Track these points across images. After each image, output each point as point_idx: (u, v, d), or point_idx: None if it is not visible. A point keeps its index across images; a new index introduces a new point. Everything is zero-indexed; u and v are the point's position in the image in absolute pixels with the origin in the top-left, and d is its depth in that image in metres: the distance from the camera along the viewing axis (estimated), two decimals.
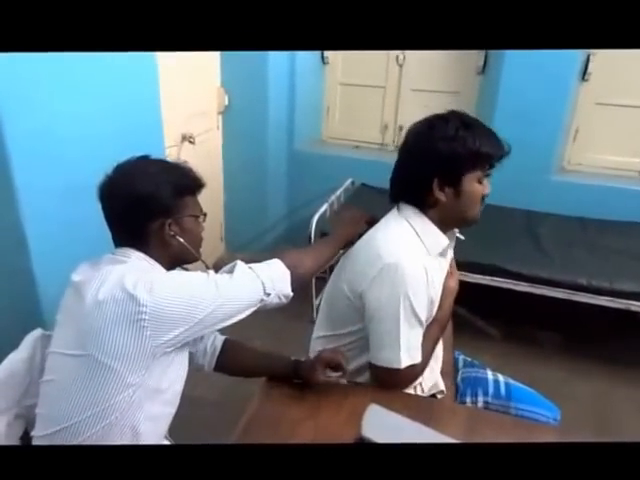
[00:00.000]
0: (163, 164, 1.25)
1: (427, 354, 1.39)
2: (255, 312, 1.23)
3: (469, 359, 1.74)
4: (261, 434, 1.23)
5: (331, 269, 1.54)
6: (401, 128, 3.59)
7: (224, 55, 3.17)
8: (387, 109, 3.61)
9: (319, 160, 3.60)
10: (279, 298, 1.24)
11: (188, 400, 1.30)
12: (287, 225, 3.75)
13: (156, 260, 1.20)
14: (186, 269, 1.29)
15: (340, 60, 3.62)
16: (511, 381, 1.62)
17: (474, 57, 3.27)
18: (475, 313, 2.93)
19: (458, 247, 1.48)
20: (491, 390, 1.57)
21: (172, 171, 1.23)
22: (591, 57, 3.02)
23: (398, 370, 1.32)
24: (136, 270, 1.13)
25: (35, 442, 1.17)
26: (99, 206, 1.20)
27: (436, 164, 1.29)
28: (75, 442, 1.10)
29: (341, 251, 1.47)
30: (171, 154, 2.67)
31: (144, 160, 1.23)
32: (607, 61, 3.01)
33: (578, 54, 2.99)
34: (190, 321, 1.10)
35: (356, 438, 1.12)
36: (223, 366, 1.42)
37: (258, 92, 3.23)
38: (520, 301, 2.73)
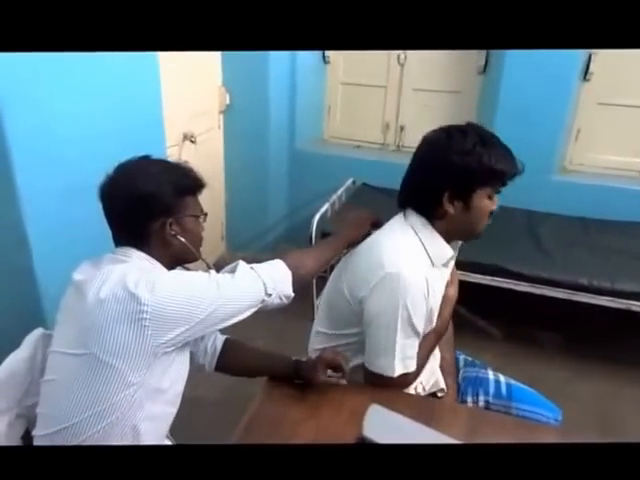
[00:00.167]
0: (164, 164, 1.26)
1: (422, 362, 1.40)
2: (256, 312, 1.23)
3: (470, 359, 1.74)
4: (262, 434, 1.24)
5: (332, 268, 1.53)
6: (402, 128, 3.59)
7: (225, 54, 3.17)
8: (388, 109, 3.61)
9: (320, 160, 3.60)
10: (280, 298, 1.24)
11: (189, 400, 1.30)
12: (288, 225, 3.75)
13: (157, 259, 1.20)
14: (187, 269, 1.29)
15: (341, 60, 3.61)
16: (512, 381, 1.62)
17: (475, 57, 3.27)
18: (476, 313, 2.93)
19: (459, 247, 1.48)
20: (492, 390, 1.57)
21: (173, 171, 1.23)
22: (592, 57, 3.01)
23: (391, 378, 1.34)
24: (137, 269, 1.13)
25: (36, 441, 1.17)
26: (100, 205, 1.21)
27: (449, 177, 1.28)
28: (76, 441, 1.10)
29: (344, 251, 1.47)
30: (172, 153, 2.67)
31: (145, 160, 1.24)
32: (608, 61, 3.00)
33: (579, 54, 2.98)
34: (191, 321, 1.10)
35: (357, 438, 1.12)
36: (224, 366, 1.42)
37: (259, 91, 3.23)
38: (521, 301, 2.73)
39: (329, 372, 1.32)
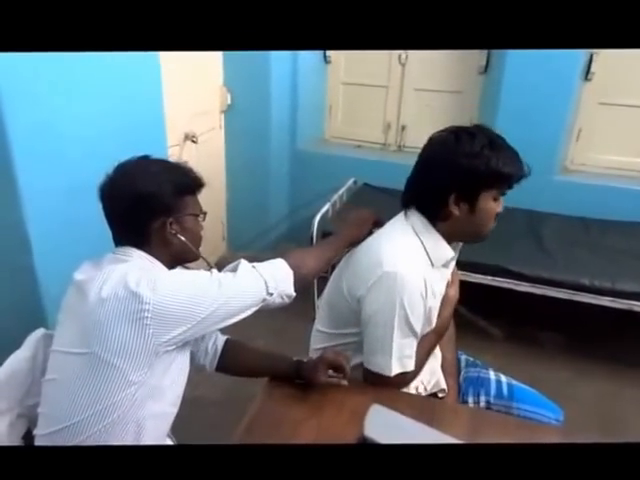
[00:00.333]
0: (164, 163, 1.26)
1: (420, 362, 1.40)
2: (257, 311, 1.23)
3: (472, 359, 1.74)
4: (263, 434, 1.24)
5: (333, 268, 1.54)
6: (403, 128, 3.59)
7: (226, 54, 3.17)
8: (389, 109, 3.61)
9: (321, 159, 3.60)
10: (282, 298, 1.24)
11: (190, 400, 1.30)
12: (289, 224, 3.75)
13: (157, 259, 1.20)
14: (188, 268, 1.30)
15: (343, 59, 3.61)
16: (513, 381, 1.62)
17: (476, 57, 3.26)
18: (477, 313, 2.93)
19: (460, 248, 1.48)
20: (493, 390, 1.57)
21: (173, 170, 1.23)
22: (594, 57, 3.01)
23: (388, 377, 1.34)
24: (139, 269, 1.13)
25: (37, 441, 1.17)
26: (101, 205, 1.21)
27: (456, 179, 1.28)
28: (77, 440, 1.10)
29: (345, 250, 1.46)
30: (174, 153, 2.67)
31: (145, 160, 1.24)
32: (610, 61, 3.00)
33: (581, 54, 2.98)
34: (193, 319, 1.10)
35: (358, 438, 1.11)
36: (225, 366, 1.42)
37: (261, 91, 3.23)
38: (522, 301, 2.72)
39: (330, 372, 1.32)
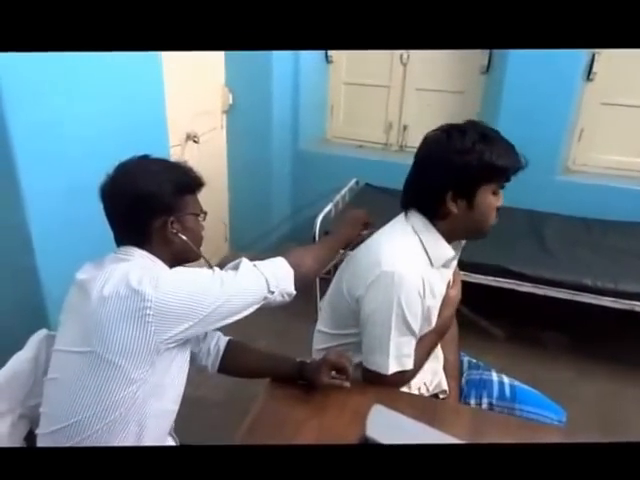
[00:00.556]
0: (164, 163, 1.26)
1: (420, 361, 1.39)
2: (259, 312, 1.23)
3: (474, 361, 1.74)
4: (265, 434, 1.24)
5: (335, 268, 1.54)
6: (405, 128, 3.59)
7: (228, 54, 3.17)
8: (391, 108, 3.61)
9: (323, 160, 3.60)
10: (282, 296, 1.25)
11: (192, 401, 1.30)
12: (291, 225, 3.75)
13: (159, 258, 1.21)
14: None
15: (344, 59, 3.61)
16: (516, 383, 1.61)
17: (478, 56, 3.26)
18: (479, 314, 2.92)
19: (462, 247, 1.48)
20: (496, 392, 1.56)
21: (173, 170, 1.24)
22: (596, 57, 3.00)
23: (386, 375, 1.34)
24: (140, 267, 1.14)
25: (39, 440, 1.17)
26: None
27: (450, 176, 1.28)
28: (78, 439, 1.10)
29: (341, 251, 1.49)
30: (175, 153, 2.67)
31: (145, 159, 1.24)
32: (612, 61, 2.99)
33: (583, 54, 2.98)
34: (195, 317, 1.11)
35: (360, 438, 1.11)
36: (227, 367, 1.42)
37: (262, 91, 3.23)
38: (524, 302, 2.72)
39: (333, 374, 1.32)
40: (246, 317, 1.21)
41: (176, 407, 1.25)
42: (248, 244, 3.55)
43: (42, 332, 1.32)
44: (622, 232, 2.93)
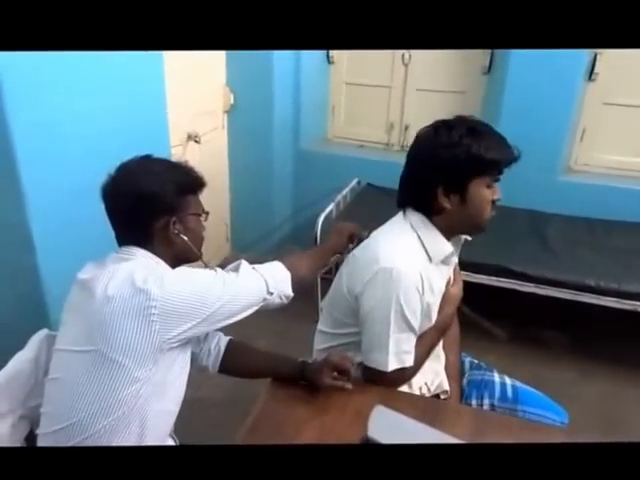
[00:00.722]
0: (166, 163, 1.27)
1: (420, 358, 1.39)
2: (260, 312, 1.25)
3: (476, 361, 1.73)
4: (266, 434, 1.23)
5: (337, 268, 1.55)
6: (407, 128, 3.58)
7: (229, 54, 3.17)
8: (393, 109, 3.61)
9: (325, 159, 3.60)
10: (281, 298, 1.29)
11: (193, 401, 1.30)
12: (293, 225, 3.75)
13: (160, 258, 1.21)
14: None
15: (345, 59, 3.61)
16: (518, 383, 1.61)
17: (480, 57, 3.26)
18: (481, 314, 2.92)
19: (464, 247, 1.48)
20: (498, 393, 1.56)
21: (175, 170, 1.24)
22: (598, 57, 3.00)
23: (385, 373, 1.34)
24: (144, 267, 1.14)
25: (40, 440, 1.17)
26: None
27: (439, 171, 1.28)
28: (80, 438, 1.10)
29: (332, 258, 1.56)
30: (176, 153, 2.67)
31: (147, 159, 1.25)
32: (614, 61, 2.98)
33: (584, 54, 2.97)
34: (198, 317, 1.12)
35: (362, 439, 1.11)
36: (228, 367, 1.42)
37: (263, 91, 3.23)
38: (526, 302, 2.72)
39: (335, 375, 1.32)
40: (247, 317, 1.23)
41: (177, 409, 1.25)
42: (249, 244, 3.55)
43: (43, 332, 1.32)
44: (625, 232, 2.93)
